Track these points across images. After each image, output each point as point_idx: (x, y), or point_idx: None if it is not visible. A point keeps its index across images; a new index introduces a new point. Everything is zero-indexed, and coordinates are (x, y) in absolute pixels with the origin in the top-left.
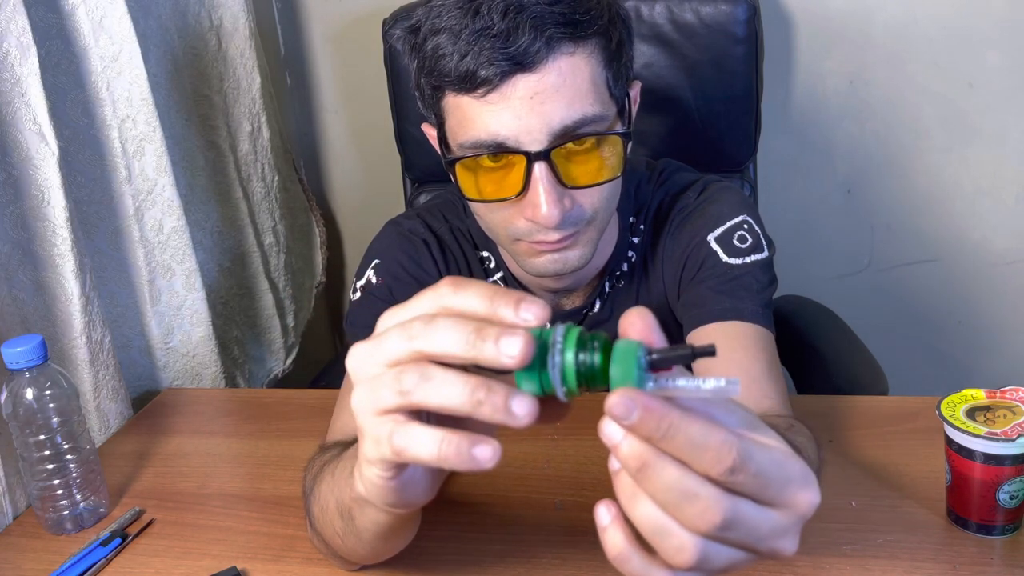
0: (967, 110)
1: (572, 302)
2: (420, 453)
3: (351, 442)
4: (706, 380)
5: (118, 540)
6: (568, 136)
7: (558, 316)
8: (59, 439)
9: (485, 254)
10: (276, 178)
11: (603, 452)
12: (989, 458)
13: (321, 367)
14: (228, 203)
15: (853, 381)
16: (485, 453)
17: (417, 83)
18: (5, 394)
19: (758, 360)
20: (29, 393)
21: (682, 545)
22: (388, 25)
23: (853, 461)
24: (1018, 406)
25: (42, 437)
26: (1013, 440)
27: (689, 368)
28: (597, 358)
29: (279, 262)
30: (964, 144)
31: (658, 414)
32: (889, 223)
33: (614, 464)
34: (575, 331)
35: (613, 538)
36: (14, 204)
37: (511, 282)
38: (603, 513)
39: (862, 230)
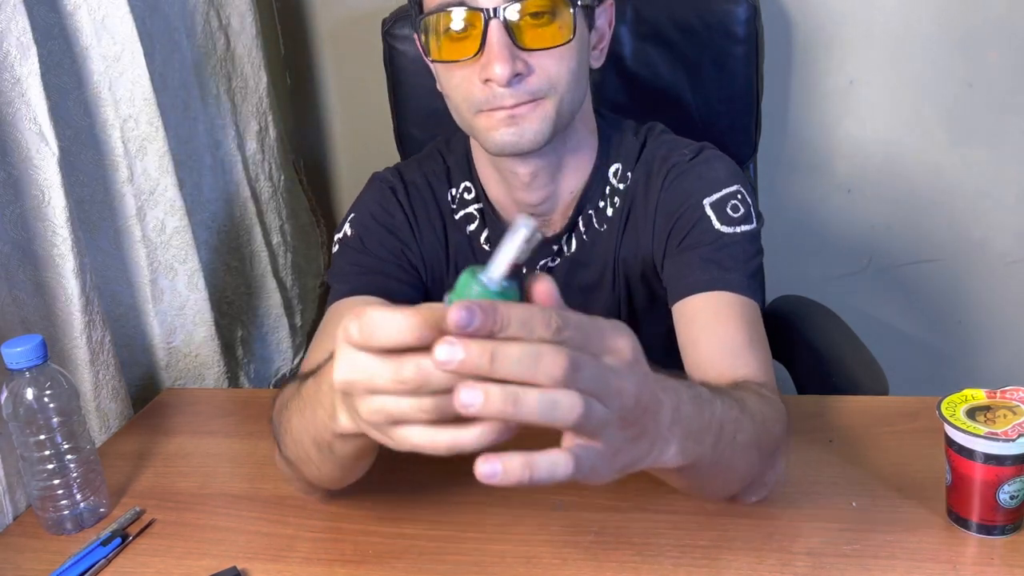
0: (967, 110)
1: (545, 227)
2: (419, 445)
3: (310, 373)
4: (508, 236)
5: (118, 540)
6: None
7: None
8: (59, 439)
9: (465, 185)
10: (282, 177)
11: None
12: (989, 458)
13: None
14: (236, 203)
15: (853, 381)
16: (470, 437)
17: None
18: (5, 394)
19: (740, 331)
20: (29, 393)
21: (571, 403)
22: (388, 25)
23: (853, 461)
24: (1018, 406)
25: (42, 437)
26: (1013, 440)
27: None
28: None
29: (286, 261)
30: (964, 144)
31: (492, 310)
32: (889, 223)
33: (470, 397)
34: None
35: (512, 466)
36: (14, 204)
37: (488, 212)
38: (493, 468)
39: (862, 230)
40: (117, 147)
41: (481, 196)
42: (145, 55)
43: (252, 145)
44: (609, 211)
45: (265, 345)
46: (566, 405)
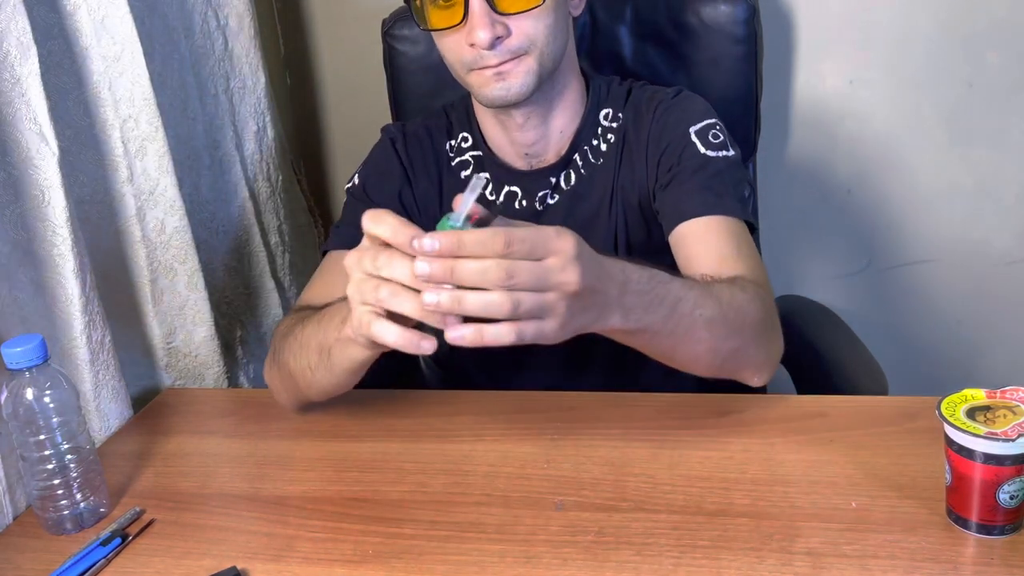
0: (967, 110)
1: (541, 163)
2: (387, 340)
3: (323, 306)
4: (469, 189)
5: (118, 540)
6: None
7: (530, 175)
8: (59, 439)
9: (463, 135)
10: (280, 178)
11: (603, 452)
12: (989, 458)
13: None
14: (234, 203)
15: (853, 381)
16: (427, 346)
17: None
18: (5, 394)
19: (728, 242)
20: (29, 393)
21: (499, 300)
22: (388, 25)
23: (853, 461)
24: (1018, 406)
25: (42, 437)
26: (1013, 440)
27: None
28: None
29: (284, 262)
30: (964, 144)
31: (447, 237)
32: (889, 223)
33: (429, 298)
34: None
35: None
36: (14, 204)
37: (487, 156)
38: (457, 334)
39: (862, 230)
40: (117, 147)
41: (480, 144)
42: (144, 55)
43: (250, 145)
44: (604, 146)
45: (264, 345)
46: (496, 303)
